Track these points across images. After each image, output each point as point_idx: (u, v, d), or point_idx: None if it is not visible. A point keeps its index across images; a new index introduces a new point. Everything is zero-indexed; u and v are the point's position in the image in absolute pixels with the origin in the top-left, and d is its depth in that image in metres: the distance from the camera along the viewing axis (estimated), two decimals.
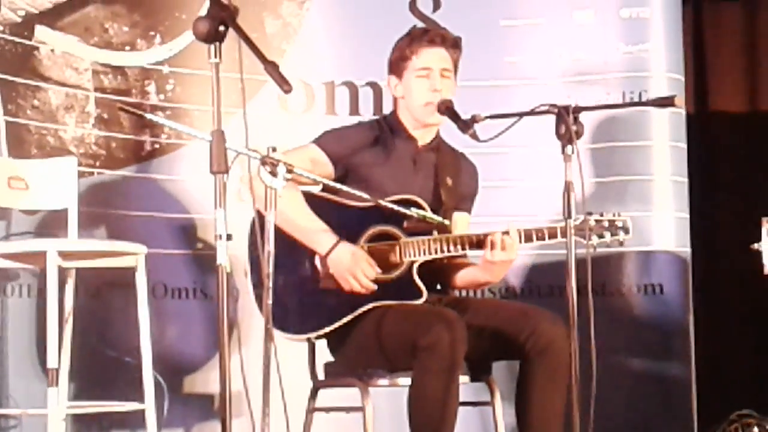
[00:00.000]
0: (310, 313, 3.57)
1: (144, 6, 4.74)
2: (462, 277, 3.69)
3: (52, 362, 3.78)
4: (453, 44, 3.69)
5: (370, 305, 3.52)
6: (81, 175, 4.40)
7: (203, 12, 2.80)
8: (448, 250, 3.54)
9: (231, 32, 2.77)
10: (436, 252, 3.54)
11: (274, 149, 3.00)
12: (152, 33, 4.73)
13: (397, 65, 3.70)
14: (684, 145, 4.96)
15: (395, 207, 3.39)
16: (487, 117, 3.41)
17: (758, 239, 4.11)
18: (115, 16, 4.68)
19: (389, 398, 3.70)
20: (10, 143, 4.40)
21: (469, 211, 3.82)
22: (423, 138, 3.74)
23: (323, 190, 3.67)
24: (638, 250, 4.83)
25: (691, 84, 5.21)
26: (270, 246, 2.96)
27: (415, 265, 3.54)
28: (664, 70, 4.93)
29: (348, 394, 3.59)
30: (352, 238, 3.56)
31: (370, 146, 3.68)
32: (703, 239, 5.08)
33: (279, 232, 3.01)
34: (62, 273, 4.01)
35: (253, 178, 3.03)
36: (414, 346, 3.35)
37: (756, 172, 5.28)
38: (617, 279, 4.86)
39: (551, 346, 3.40)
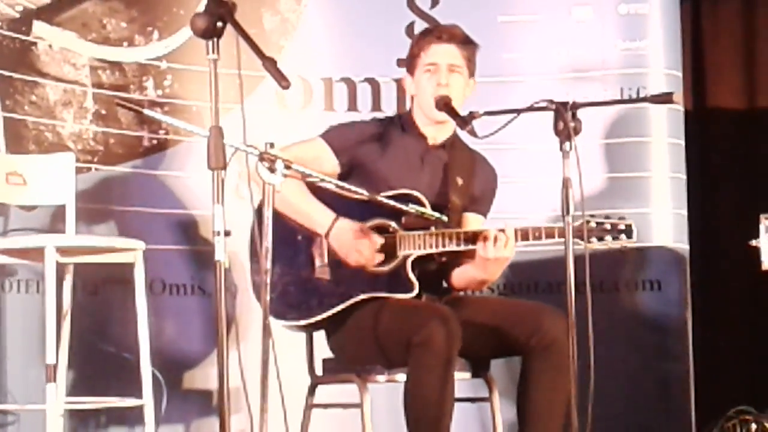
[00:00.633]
0: (304, 301, 3.58)
1: (142, 2, 4.74)
2: (459, 275, 3.69)
3: (50, 358, 3.78)
4: (463, 41, 3.69)
5: (363, 296, 3.54)
6: (79, 170, 4.40)
7: (201, 8, 2.80)
8: (443, 246, 3.54)
9: (229, 28, 2.77)
10: (431, 247, 3.54)
11: (272, 145, 3.00)
12: (150, 29, 4.73)
13: (409, 63, 3.72)
14: (682, 142, 4.96)
15: (391, 203, 3.39)
16: (484, 113, 3.40)
17: (756, 236, 4.12)
18: (113, 11, 4.67)
19: (387, 394, 3.70)
20: (7, 139, 4.39)
21: (484, 214, 3.80)
22: (435, 137, 3.74)
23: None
24: (636, 246, 4.82)
25: (689, 81, 5.21)
26: (268, 242, 2.97)
27: (410, 260, 3.55)
28: (662, 67, 4.92)
29: (346, 390, 3.60)
30: None
31: (376, 141, 3.69)
32: (701, 236, 5.08)
33: (278, 221, 3.02)
34: (60, 269, 4.01)
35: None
36: (408, 342, 3.36)
37: (754, 168, 5.29)
38: (615, 275, 4.86)
39: (556, 341, 3.39)
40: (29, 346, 4.33)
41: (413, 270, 3.55)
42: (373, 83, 4.90)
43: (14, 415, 4.32)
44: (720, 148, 5.36)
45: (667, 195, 4.90)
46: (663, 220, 4.88)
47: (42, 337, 3.82)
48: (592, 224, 3.50)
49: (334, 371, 3.69)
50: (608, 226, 3.53)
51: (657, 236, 4.87)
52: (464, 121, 3.42)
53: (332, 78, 4.92)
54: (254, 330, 3.57)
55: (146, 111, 3.23)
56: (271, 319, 3.07)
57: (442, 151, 3.74)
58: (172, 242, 4.66)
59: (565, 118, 3.19)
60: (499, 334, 3.50)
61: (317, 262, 3.56)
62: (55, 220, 4.28)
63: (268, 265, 2.97)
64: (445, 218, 3.50)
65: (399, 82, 4.74)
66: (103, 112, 4.63)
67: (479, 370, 3.63)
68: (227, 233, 2.75)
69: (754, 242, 4.13)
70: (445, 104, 3.59)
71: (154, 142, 4.71)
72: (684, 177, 4.95)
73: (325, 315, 3.56)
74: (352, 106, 4.91)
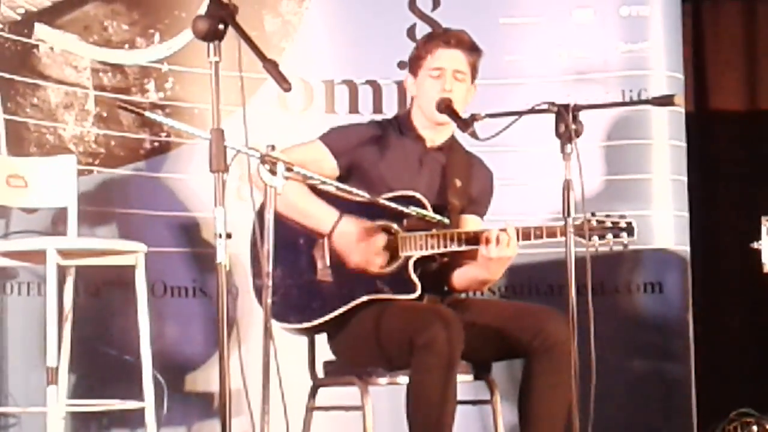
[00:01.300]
0: (306, 304, 3.58)
1: (143, 4, 4.74)
2: (461, 276, 3.68)
3: (51, 360, 3.78)
4: (470, 47, 3.68)
5: (365, 298, 3.53)
6: (80, 173, 4.40)
7: (203, 10, 2.80)
8: (445, 246, 3.54)
9: (230, 30, 2.77)
10: (432, 247, 3.54)
11: (273, 147, 3.00)
12: (151, 31, 4.73)
13: (413, 64, 3.71)
14: (683, 144, 4.96)
15: (393, 205, 3.39)
16: (486, 115, 3.40)
17: (758, 238, 4.12)
18: (115, 14, 4.68)
19: (389, 397, 3.70)
20: (9, 141, 4.40)
21: (481, 215, 3.79)
22: (434, 139, 3.74)
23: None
24: (638, 248, 4.83)
25: (690, 82, 5.21)
26: (270, 245, 2.96)
27: (411, 260, 3.55)
28: (663, 69, 4.92)
29: (348, 393, 3.60)
30: None
31: (375, 143, 3.69)
32: (702, 238, 5.08)
33: (279, 224, 3.01)
34: (62, 271, 4.01)
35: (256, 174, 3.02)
36: (411, 344, 3.35)
37: (755, 170, 5.28)
38: (617, 278, 4.86)
39: (558, 344, 3.39)
40: (30, 349, 4.33)
41: (415, 271, 3.56)
42: (375, 85, 4.90)
43: (15, 417, 4.32)
44: (721, 150, 5.36)
45: (669, 197, 4.90)
46: (664, 222, 4.88)
47: (43, 339, 3.82)
48: (593, 223, 3.50)
49: (335, 374, 3.68)
50: (609, 225, 3.53)
51: (658, 238, 4.87)
52: (466, 124, 3.42)
53: (333, 80, 4.92)
54: (255, 332, 3.56)
55: (147, 113, 3.23)
56: (273, 322, 3.07)
57: (440, 153, 3.74)
58: (174, 244, 4.66)
59: (566, 121, 3.19)
60: (501, 337, 3.50)
61: (319, 265, 3.56)
62: (57, 223, 4.28)
63: (270, 267, 2.96)
64: (447, 221, 3.51)
65: (400, 84, 4.74)
66: (105, 114, 4.63)
67: (481, 372, 3.63)
68: (229, 235, 2.75)
69: (755, 244, 4.12)
70: (446, 106, 3.59)
71: (156, 144, 4.71)
72: (685, 179, 4.95)
73: (327, 317, 3.55)
74: (354, 108, 4.91)
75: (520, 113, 3.36)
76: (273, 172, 2.94)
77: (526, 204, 4.73)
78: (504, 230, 3.49)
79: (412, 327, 3.38)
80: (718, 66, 5.39)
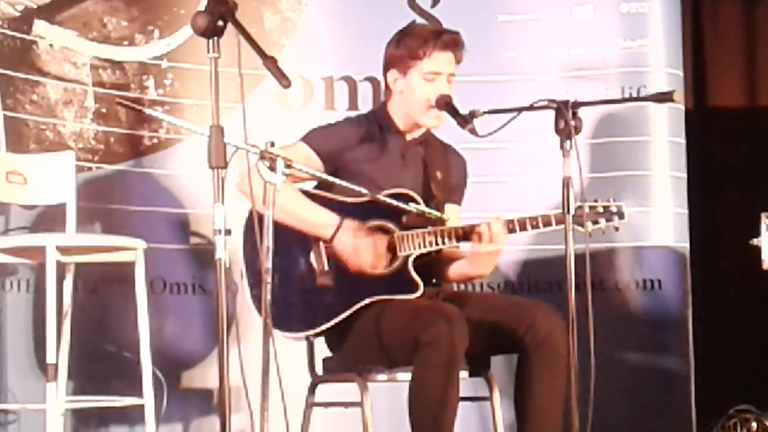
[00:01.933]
0: (307, 311, 3.56)
1: (142, 1, 4.74)
2: (453, 270, 3.70)
3: (50, 357, 3.78)
4: (460, 47, 3.66)
5: (368, 300, 3.52)
6: (79, 169, 4.40)
7: (202, 7, 2.80)
8: (443, 243, 3.54)
9: (230, 27, 2.77)
10: (431, 245, 3.54)
11: (272, 144, 3.00)
12: (151, 28, 4.73)
13: (403, 61, 3.66)
14: (683, 141, 4.96)
15: (393, 202, 3.39)
16: (485, 112, 3.40)
17: (757, 234, 4.12)
18: (114, 10, 4.68)
19: (388, 393, 3.70)
20: (8, 138, 4.39)
21: (459, 203, 3.81)
22: (411, 132, 3.74)
23: (318, 186, 3.67)
24: (637, 245, 4.84)
25: (690, 79, 5.21)
26: (269, 242, 2.96)
27: (411, 259, 3.55)
28: (663, 66, 4.92)
29: (347, 389, 3.60)
30: None
31: (358, 142, 3.67)
32: (702, 235, 5.08)
33: (274, 230, 3.01)
34: (61, 268, 4.01)
35: (251, 176, 3.01)
36: (415, 341, 3.35)
37: (755, 167, 5.28)
38: (616, 274, 4.86)
39: (549, 338, 3.41)
40: (30, 346, 4.34)
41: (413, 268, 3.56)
42: (374, 82, 4.89)
43: (15, 414, 4.32)
44: (721, 147, 5.36)
45: (668, 194, 4.90)
46: (664, 219, 4.88)
47: (42, 336, 3.82)
48: (585, 208, 3.52)
49: (334, 370, 3.68)
50: (601, 209, 3.56)
51: (657, 235, 4.87)
52: (465, 121, 3.42)
53: (333, 77, 4.92)
54: (255, 329, 3.56)
55: (147, 110, 3.23)
56: (275, 332, 3.06)
57: (420, 146, 3.74)
58: (173, 241, 4.66)
59: (565, 117, 3.19)
60: (495, 331, 3.50)
61: (318, 270, 3.55)
62: (56, 219, 4.27)
63: (270, 263, 2.96)
64: (446, 217, 3.51)
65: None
66: (104, 111, 4.63)
67: (479, 368, 3.63)
68: (228, 232, 2.75)
69: (755, 241, 4.13)
70: (445, 103, 3.58)
71: (155, 141, 4.71)
72: (684, 176, 4.95)
73: (330, 324, 3.54)
74: (353, 104, 4.91)
75: (519, 110, 3.35)
76: (272, 169, 2.94)
77: (525, 200, 4.72)
78: (488, 224, 3.49)
79: (416, 324, 3.37)
80: (717, 63, 5.39)
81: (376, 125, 3.72)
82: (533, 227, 3.52)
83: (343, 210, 3.56)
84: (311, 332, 3.58)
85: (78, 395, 4.27)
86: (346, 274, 3.54)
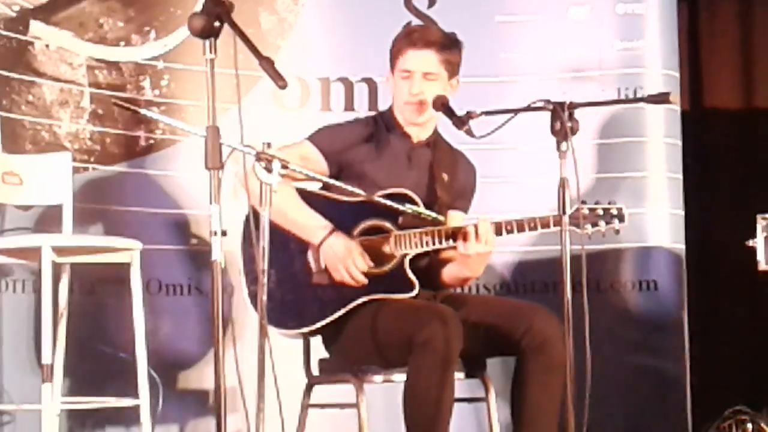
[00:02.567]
0: (303, 308, 3.57)
1: (139, 1, 4.74)
2: (447, 273, 3.70)
3: (46, 358, 3.78)
4: (441, 45, 3.63)
5: (363, 299, 3.53)
6: (75, 170, 4.40)
7: (198, 7, 2.80)
8: (440, 243, 3.54)
9: (226, 28, 2.77)
10: (427, 245, 3.54)
11: (269, 145, 3.00)
12: (147, 28, 4.73)
13: (391, 62, 3.70)
14: (679, 142, 4.96)
15: (389, 203, 3.39)
16: (482, 113, 3.40)
17: (753, 236, 4.13)
18: (110, 11, 4.67)
19: (384, 394, 3.70)
20: (4, 138, 4.39)
21: (465, 210, 3.81)
22: (419, 134, 3.74)
23: (322, 185, 3.67)
24: (633, 246, 4.84)
25: (686, 81, 5.21)
26: (265, 242, 2.96)
27: (407, 259, 3.55)
28: (659, 67, 4.93)
29: (343, 391, 3.59)
30: (345, 233, 3.56)
31: (364, 142, 3.68)
32: (697, 236, 5.08)
33: (272, 229, 3.01)
34: (56, 268, 4.01)
35: (247, 174, 3.03)
36: (409, 342, 3.35)
37: (751, 168, 5.29)
38: (612, 275, 4.86)
39: (547, 342, 3.41)
40: (25, 346, 4.33)
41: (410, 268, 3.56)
42: (371, 83, 4.89)
43: (10, 415, 4.32)
44: (717, 148, 5.36)
45: (664, 195, 4.90)
46: (660, 220, 4.88)
47: (38, 337, 3.81)
48: (585, 210, 3.51)
49: (330, 371, 3.68)
50: (600, 212, 3.55)
51: (653, 236, 4.87)
52: (461, 121, 3.42)
53: (329, 78, 4.92)
54: (250, 330, 3.56)
55: (143, 111, 3.23)
56: (271, 329, 3.06)
57: (427, 149, 3.74)
58: (169, 242, 4.66)
59: (562, 118, 3.19)
60: (492, 334, 3.50)
61: (314, 268, 3.56)
62: (52, 220, 4.27)
63: (266, 264, 2.96)
64: (442, 218, 3.51)
65: None
66: (100, 111, 4.63)
67: (475, 370, 3.63)
68: (224, 233, 2.75)
69: (750, 242, 4.13)
70: (441, 104, 3.58)
71: (151, 141, 4.70)
72: (681, 177, 4.95)
73: (326, 321, 3.54)
74: (349, 106, 4.91)
75: (515, 111, 3.36)
76: (268, 170, 2.94)
77: (522, 201, 4.72)
78: (475, 225, 3.49)
79: (410, 325, 3.37)
80: (713, 64, 5.39)
81: (383, 127, 3.73)
82: (520, 230, 3.52)
83: (342, 209, 3.57)
84: (306, 329, 3.58)
85: (73, 396, 4.27)
86: None
